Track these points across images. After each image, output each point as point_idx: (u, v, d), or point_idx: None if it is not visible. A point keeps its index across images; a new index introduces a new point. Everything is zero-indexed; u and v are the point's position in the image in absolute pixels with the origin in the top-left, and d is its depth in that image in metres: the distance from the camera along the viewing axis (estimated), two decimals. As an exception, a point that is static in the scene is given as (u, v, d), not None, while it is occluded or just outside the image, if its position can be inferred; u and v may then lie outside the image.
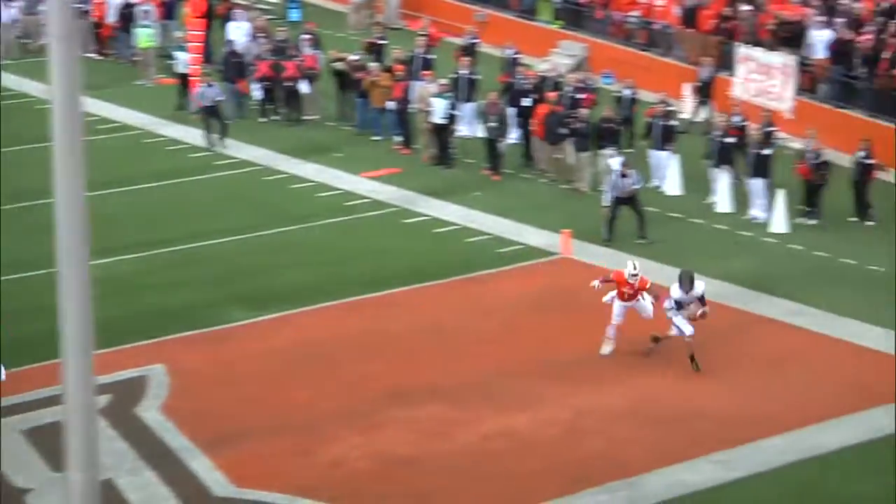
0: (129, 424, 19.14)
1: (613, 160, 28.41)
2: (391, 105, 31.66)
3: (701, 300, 20.76)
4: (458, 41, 35.69)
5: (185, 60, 34.19)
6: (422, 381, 20.57)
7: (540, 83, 31.36)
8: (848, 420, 19.35)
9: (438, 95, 30.44)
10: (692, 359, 20.61)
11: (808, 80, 32.83)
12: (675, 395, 20.13)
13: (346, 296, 23.78)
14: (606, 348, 21.23)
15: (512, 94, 31.36)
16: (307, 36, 34.80)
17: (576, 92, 30.82)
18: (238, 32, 35.68)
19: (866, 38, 32.00)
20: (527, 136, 30.66)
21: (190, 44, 34.38)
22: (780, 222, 26.91)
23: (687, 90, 33.82)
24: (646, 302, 21.28)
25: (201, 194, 29.18)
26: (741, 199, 27.84)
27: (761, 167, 27.47)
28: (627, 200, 26.11)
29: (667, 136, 29.20)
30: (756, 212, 27.53)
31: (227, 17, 36.77)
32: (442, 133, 30.60)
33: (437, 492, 17.60)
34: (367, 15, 42.42)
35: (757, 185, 27.48)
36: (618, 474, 17.83)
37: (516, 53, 33.80)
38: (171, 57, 35.28)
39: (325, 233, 27.01)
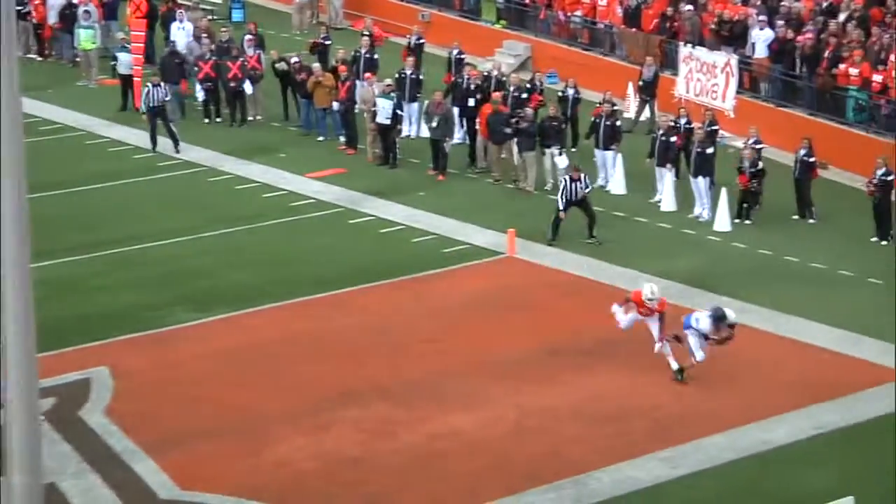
0: (72, 427, 19.01)
1: (559, 159, 28.54)
2: (336, 105, 31.60)
3: (731, 327, 20.37)
4: (403, 41, 35.67)
5: (127, 61, 34.02)
6: (367, 381, 20.56)
7: (485, 83, 31.39)
8: (791, 417, 19.49)
9: (383, 96, 30.39)
10: (681, 371, 20.46)
11: (750, 79, 33.11)
12: (620, 393, 20.20)
13: (292, 297, 23.73)
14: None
15: (457, 93, 31.41)
16: (250, 36, 34.67)
17: (522, 92, 30.86)
18: (181, 33, 35.51)
19: (807, 38, 32.26)
20: (472, 135, 30.70)
21: (132, 44, 34.21)
22: (723, 221, 27.07)
23: (630, 89, 33.98)
24: (658, 324, 20.76)
25: (145, 196, 28.99)
26: (685, 198, 27.99)
27: (705, 166, 27.63)
28: (579, 203, 26.16)
29: (611, 136, 29.29)
30: (699, 210, 27.70)
31: (169, 18, 36.57)
32: (387, 133, 30.55)
33: (383, 492, 17.59)
34: (311, 15, 42.41)
35: (700, 184, 27.64)
36: (565, 472, 17.88)
37: (461, 53, 33.84)
38: (113, 58, 35.06)
39: (271, 233, 26.93)
